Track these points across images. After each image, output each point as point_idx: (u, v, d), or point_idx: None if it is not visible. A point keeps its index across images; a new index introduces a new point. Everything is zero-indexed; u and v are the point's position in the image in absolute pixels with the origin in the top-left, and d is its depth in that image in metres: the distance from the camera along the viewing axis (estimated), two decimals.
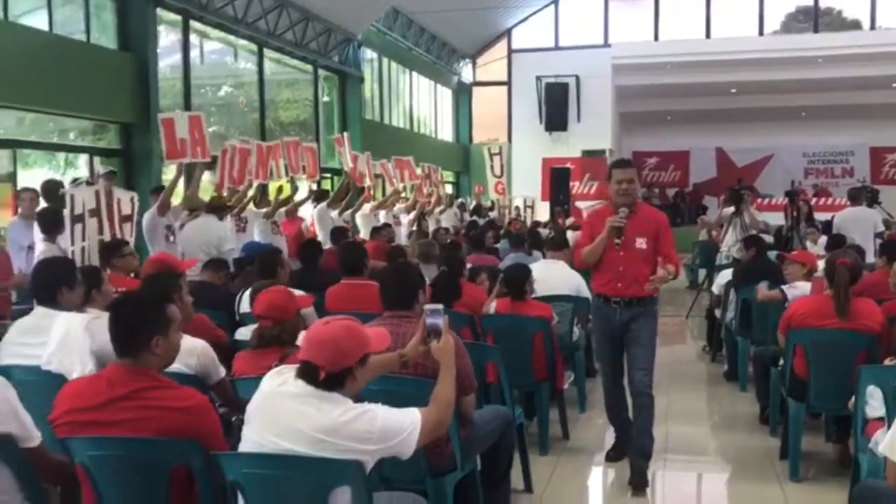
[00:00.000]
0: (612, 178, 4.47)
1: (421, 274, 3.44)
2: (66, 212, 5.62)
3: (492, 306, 5.05)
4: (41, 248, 6.12)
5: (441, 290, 4.57)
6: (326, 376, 2.35)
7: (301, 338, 3.41)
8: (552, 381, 4.94)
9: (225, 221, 7.43)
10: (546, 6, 20.58)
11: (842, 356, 4.22)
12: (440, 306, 2.86)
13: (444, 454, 3.22)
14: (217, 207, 7.27)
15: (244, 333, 4.23)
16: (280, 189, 9.51)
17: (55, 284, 3.72)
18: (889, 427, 2.75)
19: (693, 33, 19.77)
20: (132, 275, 5.35)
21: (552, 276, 5.77)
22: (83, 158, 9.32)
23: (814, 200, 16.52)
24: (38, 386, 3.25)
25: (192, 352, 3.30)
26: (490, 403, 4.07)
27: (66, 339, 3.43)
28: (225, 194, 8.03)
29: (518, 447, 4.07)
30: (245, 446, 2.40)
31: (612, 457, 4.81)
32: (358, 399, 2.44)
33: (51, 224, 6.00)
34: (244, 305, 4.94)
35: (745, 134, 21.88)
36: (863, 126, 21.32)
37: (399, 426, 2.40)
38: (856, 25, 19.94)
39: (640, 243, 4.38)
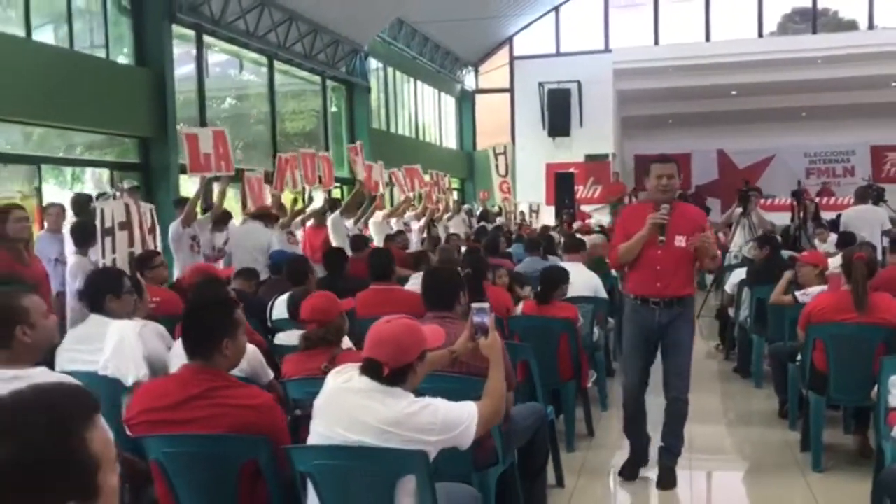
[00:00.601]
0: (652, 173, 4.31)
1: (461, 276, 3.60)
2: (97, 225, 5.79)
3: (518, 308, 5.20)
4: (72, 260, 6.27)
5: (469, 292, 4.71)
6: (390, 372, 2.50)
7: (345, 339, 3.61)
8: (577, 381, 5.09)
9: (270, 228, 7.69)
10: (547, 13, 20.76)
11: (861, 349, 4.37)
12: (486, 305, 3.00)
13: (486, 448, 3.36)
14: (263, 215, 7.52)
15: (282, 338, 4.38)
16: (295, 200, 9.70)
17: (101, 293, 3.88)
18: None
19: (693, 37, 19.90)
20: (163, 285, 5.53)
21: (573, 279, 5.92)
22: (89, 173, 9.47)
23: (819, 199, 16.69)
24: (95, 391, 3.41)
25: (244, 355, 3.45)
26: (518, 402, 4.22)
27: (121, 346, 3.58)
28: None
29: (550, 443, 4.22)
30: (313, 440, 2.54)
31: (627, 475, 4.58)
32: (417, 394, 2.59)
33: (83, 237, 6.15)
34: (276, 312, 5.09)
35: (746, 135, 21.99)
36: (863, 125, 21.41)
37: (458, 418, 2.54)
38: (852, 25, 20.10)
39: (680, 241, 4.22)
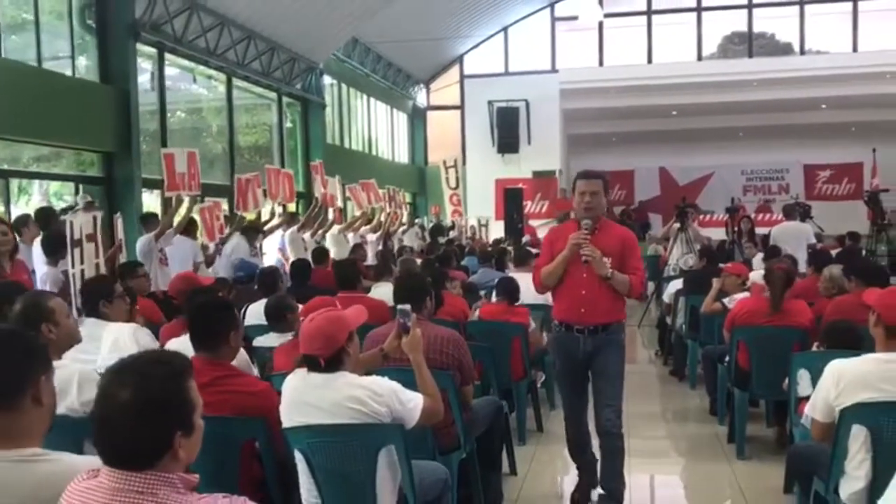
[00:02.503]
0: (576, 189, 4.08)
1: (428, 282, 4.05)
2: (67, 237, 6.09)
3: (476, 313, 5.67)
4: (43, 270, 6.55)
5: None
6: (326, 361, 2.92)
7: None
8: (529, 380, 5.57)
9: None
10: (496, 34, 21.33)
11: (778, 349, 4.92)
12: (408, 307, 3.37)
13: (450, 435, 3.81)
14: (249, 229, 8.45)
15: (261, 341, 4.76)
16: (259, 216, 10.07)
17: (95, 299, 4.24)
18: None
19: (636, 59, 20.61)
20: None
21: (524, 288, 6.39)
22: (36, 185, 9.67)
23: (757, 216, 17.52)
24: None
25: None
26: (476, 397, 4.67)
27: (116, 346, 3.94)
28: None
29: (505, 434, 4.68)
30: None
31: (579, 500, 4.36)
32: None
33: (54, 248, 6.43)
34: (249, 319, 5.47)
35: (686, 154, 22.80)
36: (796, 145, 22.42)
37: (406, 396, 2.98)
38: (787, 48, 21.08)
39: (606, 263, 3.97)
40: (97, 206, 6.60)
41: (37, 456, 1.90)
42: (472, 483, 4.06)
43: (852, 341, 3.93)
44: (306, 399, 2.90)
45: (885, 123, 20.63)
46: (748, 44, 21.01)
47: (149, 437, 1.62)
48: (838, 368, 3.11)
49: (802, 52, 20.61)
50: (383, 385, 2.93)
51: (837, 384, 3.07)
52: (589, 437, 4.36)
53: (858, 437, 3.02)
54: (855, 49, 19.89)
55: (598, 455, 4.34)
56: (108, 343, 3.96)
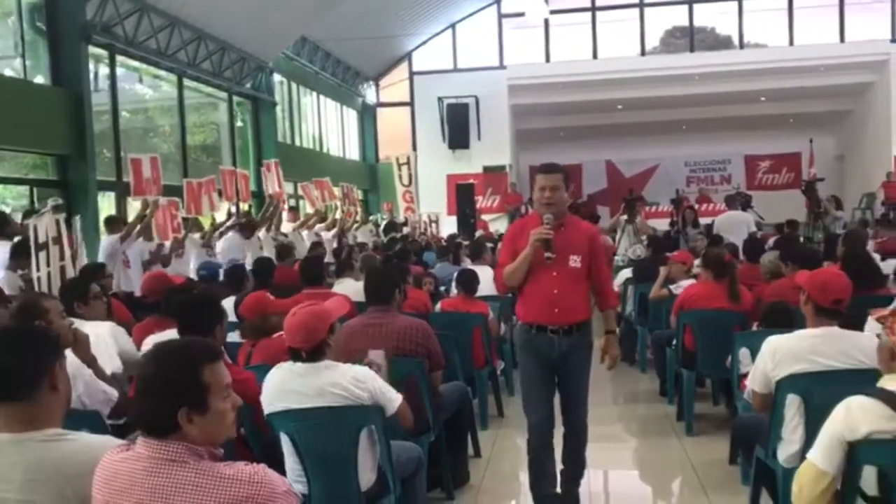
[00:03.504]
0: (536, 184, 3.90)
1: (397, 277, 4.28)
2: (31, 240, 6.17)
3: (438, 305, 5.91)
4: (0, 274, 6.60)
5: None
6: (308, 353, 3.15)
7: None
8: (490, 367, 5.83)
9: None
10: (444, 30, 21.57)
11: (722, 330, 5.25)
12: (381, 352, 3.69)
13: (420, 419, 4.04)
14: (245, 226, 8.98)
15: (233, 336, 4.92)
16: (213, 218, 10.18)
17: (70, 299, 4.37)
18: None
19: (581, 55, 21.06)
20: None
21: (482, 280, 6.65)
22: None
23: (698, 206, 18.05)
24: None
25: None
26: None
27: (97, 344, 4.08)
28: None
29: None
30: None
31: None
32: None
33: (23, 253, 6.49)
34: None
35: (631, 147, 23.29)
36: (737, 137, 23.07)
37: (388, 388, 3.26)
38: (727, 42, 21.69)
39: (575, 261, 3.83)
40: (63, 208, 6.67)
41: (59, 436, 2.10)
42: (441, 464, 4.31)
43: (787, 320, 4.26)
44: (291, 387, 3.11)
45: (820, 115, 21.44)
46: (689, 38, 21.58)
47: (155, 410, 1.85)
48: (774, 344, 3.42)
49: (742, 45, 21.24)
50: (366, 372, 3.16)
51: (773, 357, 3.38)
52: (555, 468, 4.05)
53: (793, 405, 3.33)
54: (791, 43, 20.60)
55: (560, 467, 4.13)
56: None
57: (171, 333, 3.78)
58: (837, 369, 3.28)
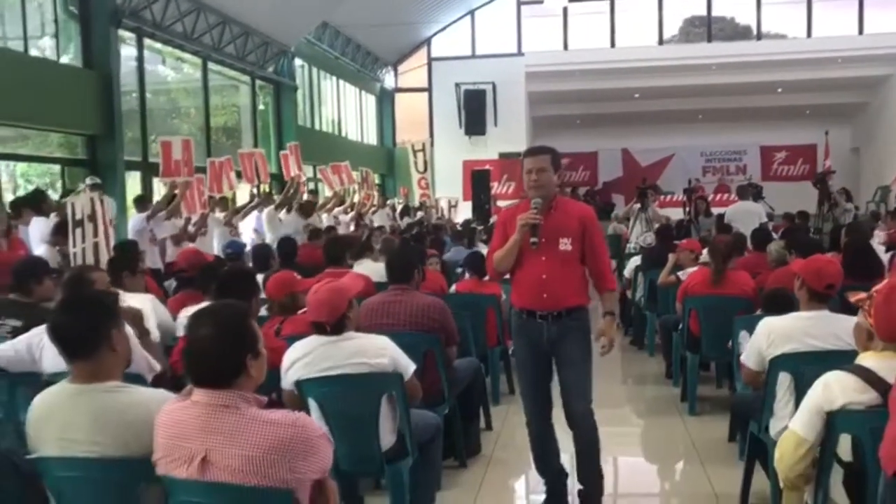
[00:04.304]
0: (523, 168, 3.84)
1: (417, 257, 4.55)
2: (69, 218, 6.48)
3: (453, 287, 6.17)
4: (42, 249, 6.93)
5: None
6: (332, 326, 3.42)
7: None
8: (502, 347, 6.10)
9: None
10: (463, 17, 21.72)
11: (725, 315, 5.48)
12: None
13: (436, 390, 4.31)
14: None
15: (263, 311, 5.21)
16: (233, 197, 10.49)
17: (119, 271, 4.68)
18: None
19: (599, 43, 21.14)
20: None
21: None
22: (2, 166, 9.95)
23: (715, 196, 18.21)
24: None
25: None
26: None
27: None
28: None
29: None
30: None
31: None
32: None
33: (62, 231, 6.82)
34: None
35: (647, 135, 23.38)
36: (753, 127, 23.14)
37: (401, 355, 3.52)
38: (746, 32, 21.72)
39: (565, 244, 3.74)
40: (100, 187, 6.99)
41: (119, 387, 2.41)
42: (454, 434, 4.59)
43: (787, 306, 4.47)
44: (318, 357, 3.39)
45: (837, 107, 21.48)
46: (707, 27, 21.65)
47: (223, 359, 2.13)
48: (769, 325, 3.67)
49: (759, 36, 21.26)
50: (385, 340, 3.43)
51: (768, 338, 3.63)
52: (556, 446, 4.02)
53: (784, 383, 3.57)
54: (809, 35, 20.63)
55: (566, 470, 4.08)
56: None
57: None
58: (827, 350, 3.52)
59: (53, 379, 2.81)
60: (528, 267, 3.77)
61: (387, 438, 3.43)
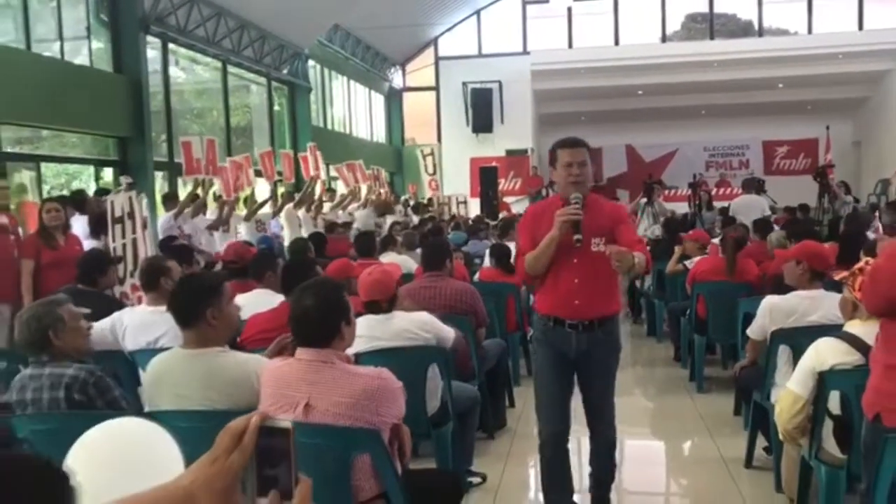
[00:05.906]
0: (559, 160, 3.46)
1: (449, 247, 5.00)
2: (108, 215, 6.94)
3: (476, 275, 6.63)
4: (92, 244, 7.39)
5: None
6: (386, 305, 3.86)
7: None
8: (522, 332, 6.55)
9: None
10: (469, 17, 22.13)
11: (730, 300, 5.92)
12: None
13: (467, 367, 4.76)
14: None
15: None
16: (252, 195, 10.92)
17: (156, 274, 5.12)
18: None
19: (603, 41, 21.53)
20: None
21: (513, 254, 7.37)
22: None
23: (717, 190, 18.58)
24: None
25: None
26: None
27: None
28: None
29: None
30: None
31: None
32: None
33: (99, 226, 7.27)
34: None
35: (651, 131, 23.70)
36: (755, 122, 23.48)
37: (441, 326, 3.97)
38: (748, 28, 22.08)
39: (597, 244, 3.39)
40: (136, 187, 7.44)
41: (222, 352, 2.87)
42: (484, 408, 5.03)
43: (786, 289, 4.93)
44: (374, 333, 3.84)
45: (838, 102, 21.85)
46: (709, 24, 22.03)
47: (325, 325, 2.58)
48: (771, 302, 4.12)
49: (761, 33, 21.63)
50: (429, 317, 3.88)
51: (770, 314, 4.08)
52: (571, 481, 3.72)
53: (783, 355, 4.01)
54: (810, 31, 21.01)
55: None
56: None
57: (258, 293, 4.57)
58: (822, 325, 3.96)
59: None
60: (558, 270, 3.43)
61: (432, 403, 3.88)
